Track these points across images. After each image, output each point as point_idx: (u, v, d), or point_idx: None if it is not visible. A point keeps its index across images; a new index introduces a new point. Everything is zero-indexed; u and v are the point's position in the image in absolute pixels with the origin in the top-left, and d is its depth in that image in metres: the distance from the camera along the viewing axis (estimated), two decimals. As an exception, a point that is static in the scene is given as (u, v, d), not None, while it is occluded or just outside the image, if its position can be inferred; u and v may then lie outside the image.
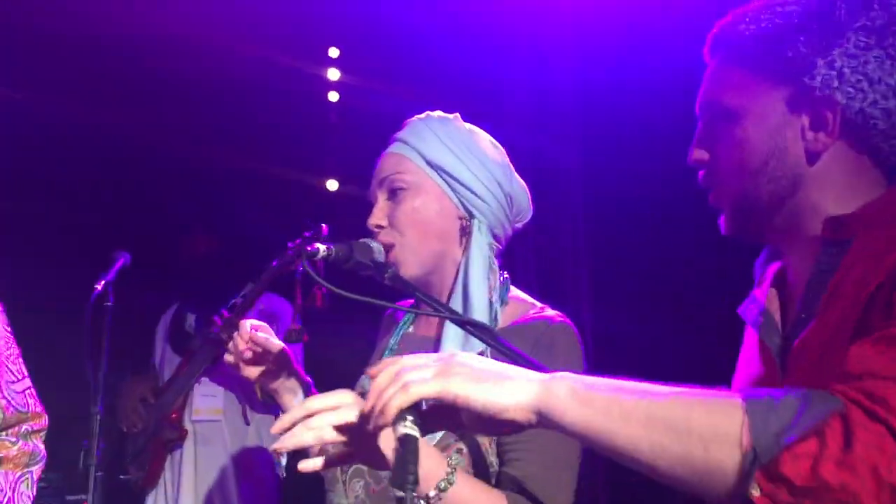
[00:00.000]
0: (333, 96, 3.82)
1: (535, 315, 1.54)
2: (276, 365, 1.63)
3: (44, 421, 1.92)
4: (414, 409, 1.03)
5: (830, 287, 1.16)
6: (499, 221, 1.59)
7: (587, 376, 1.06)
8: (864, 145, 1.19)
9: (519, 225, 1.67)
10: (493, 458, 1.45)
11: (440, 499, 1.34)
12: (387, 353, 1.63)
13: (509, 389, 1.04)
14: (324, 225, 2.72)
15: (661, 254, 3.09)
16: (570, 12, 3.35)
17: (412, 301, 1.64)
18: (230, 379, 3.10)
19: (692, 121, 1.31)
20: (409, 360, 1.09)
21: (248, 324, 1.64)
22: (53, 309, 3.07)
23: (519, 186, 1.63)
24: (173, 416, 3.04)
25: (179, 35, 3.38)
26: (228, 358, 1.64)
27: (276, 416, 3.11)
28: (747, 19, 1.23)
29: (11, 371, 1.88)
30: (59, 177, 3.52)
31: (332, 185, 3.84)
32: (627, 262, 3.10)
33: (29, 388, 1.92)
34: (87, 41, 3.33)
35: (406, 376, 1.05)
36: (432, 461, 1.35)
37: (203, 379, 3.06)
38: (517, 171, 1.65)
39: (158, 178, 3.62)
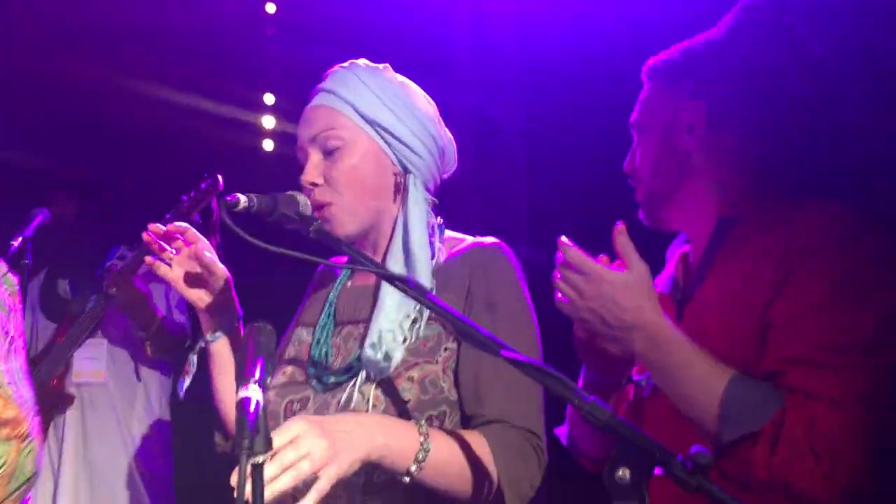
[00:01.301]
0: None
1: (467, 245, 1.56)
2: (215, 289, 1.59)
3: (22, 428, 1.47)
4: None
5: (719, 254, 1.47)
6: (431, 175, 1.60)
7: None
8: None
9: (446, 175, 1.67)
10: (443, 384, 1.47)
11: (422, 468, 1.35)
12: (327, 306, 1.62)
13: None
14: (220, 176, 2.66)
15: (603, 207, 3.10)
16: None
17: (344, 258, 1.62)
18: (115, 338, 3.02)
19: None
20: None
21: (193, 233, 1.58)
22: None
23: (448, 139, 1.64)
24: (54, 382, 2.94)
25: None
26: (165, 272, 1.57)
27: (164, 373, 3.07)
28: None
29: None
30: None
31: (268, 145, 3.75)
32: (569, 216, 3.11)
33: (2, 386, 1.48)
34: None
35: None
36: (403, 437, 1.35)
37: (86, 341, 2.96)
38: (462, 127, 1.64)
39: (19, 134, 3.45)
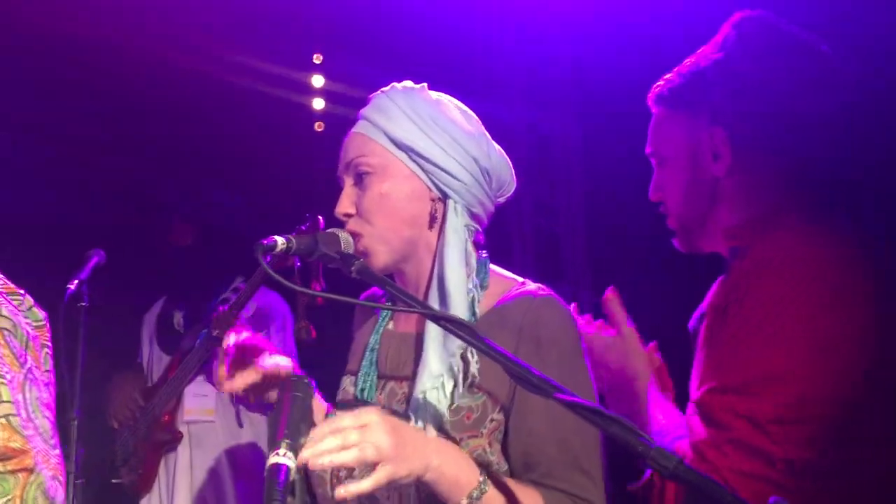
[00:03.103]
0: (318, 80, 3.70)
1: (518, 292, 1.45)
2: (267, 381, 1.53)
3: (27, 460, 1.46)
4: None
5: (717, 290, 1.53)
6: (476, 199, 1.48)
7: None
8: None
9: (501, 199, 1.55)
10: (491, 457, 1.39)
11: None
12: (368, 353, 1.54)
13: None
14: (320, 217, 2.65)
15: (663, 231, 3.01)
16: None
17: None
18: None
19: None
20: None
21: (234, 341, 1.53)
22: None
23: (497, 158, 1.51)
24: (166, 418, 2.97)
25: (160, 20, 3.29)
26: (224, 383, 1.52)
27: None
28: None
29: None
30: (29, 171, 3.44)
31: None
32: (628, 240, 3.01)
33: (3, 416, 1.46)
34: (59, 33, 3.25)
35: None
36: (462, 470, 1.31)
37: (195, 378, 2.97)
38: (516, 147, 1.54)
39: (135, 168, 3.53)
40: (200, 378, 2.99)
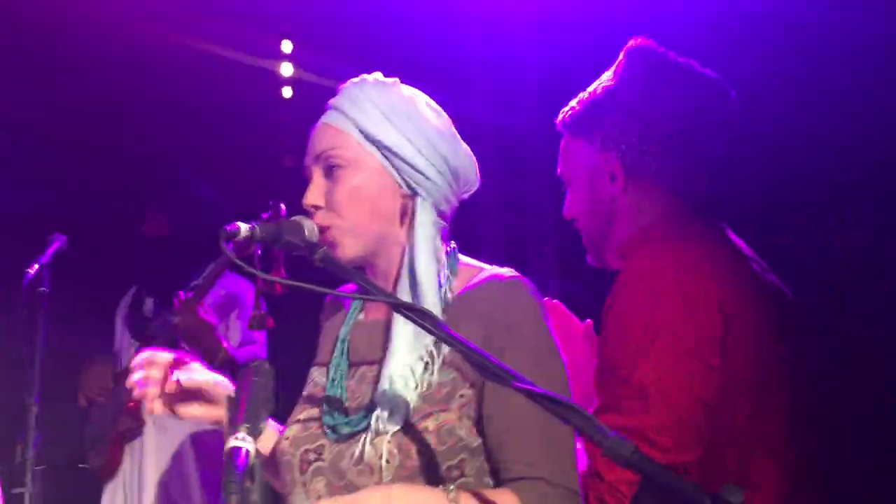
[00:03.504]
0: (287, 69, 3.69)
1: (484, 277, 1.46)
2: (210, 396, 1.52)
3: None
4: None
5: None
6: (443, 197, 1.49)
7: None
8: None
9: (465, 196, 1.56)
10: (460, 431, 1.38)
11: None
12: (339, 343, 1.54)
13: None
14: (282, 204, 2.64)
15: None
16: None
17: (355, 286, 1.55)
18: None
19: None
20: None
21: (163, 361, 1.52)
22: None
23: (465, 157, 1.52)
24: (130, 405, 2.94)
25: (130, 11, 3.26)
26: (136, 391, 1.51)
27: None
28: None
29: None
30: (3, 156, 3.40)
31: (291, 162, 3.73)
32: None
33: None
34: (30, 19, 3.20)
35: None
36: (431, 499, 1.30)
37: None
38: (483, 145, 1.55)
39: (109, 157, 3.51)
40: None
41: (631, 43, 1.75)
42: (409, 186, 1.46)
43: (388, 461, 1.35)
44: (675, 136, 1.67)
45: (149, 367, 1.50)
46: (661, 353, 1.49)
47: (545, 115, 3.39)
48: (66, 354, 2.86)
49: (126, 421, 2.94)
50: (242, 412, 0.99)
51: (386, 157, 1.45)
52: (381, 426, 1.37)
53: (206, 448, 3.01)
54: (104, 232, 2.96)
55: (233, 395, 1.05)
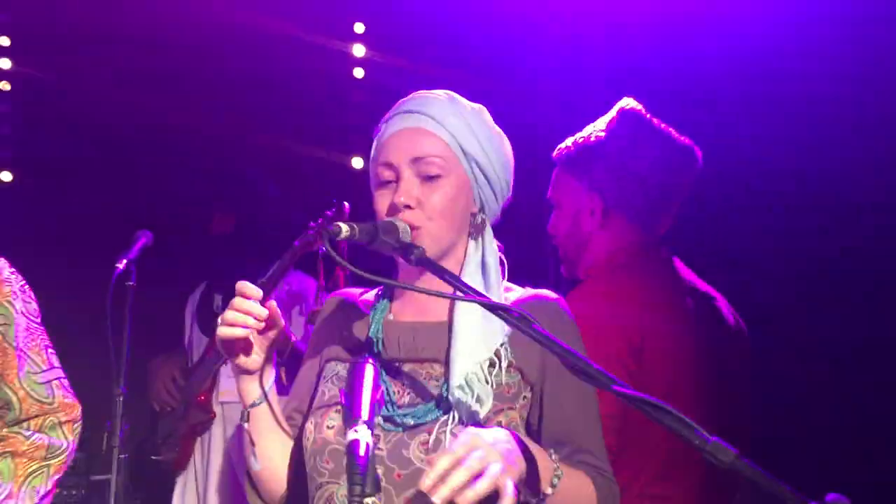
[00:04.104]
0: (359, 72, 3.75)
1: (531, 296, 1.57)
2: (267, 347, 1.50)
3: (75, 412, 1.86)
4: None
5: None
6: (495, 217, 1.63)
7: None
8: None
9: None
10: (521, 431, 1.47)
11: (555, 492, 1.38)
12: (374, 341, 1.55)
13: None
14: (346, 203, 2.69)
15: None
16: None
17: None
18: None
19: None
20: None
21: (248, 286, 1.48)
22: (75, 290, 3.05)
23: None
24: (201, 398, 3.00)
25: (202, 11, 3.33)
26: (230, 332, 1.45)
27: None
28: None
29: (34, 361, 1.82)
30: (79, 156, 3.50)
31: (358, 162, 3.78)
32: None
33: (57, 378, 1.86)
34: (105, 18, 3.29)
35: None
36: (541, 455, 1.38)
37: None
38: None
39: (180, 156, 3.59)
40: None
41: (623, 104, 2.13)
42: (480, 203, 1.57)
43: None
44: (648, 188, 2.06)
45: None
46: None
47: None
48: (146, 349, 2.94)
49: (197, 414, 2.99)
50: (359, 406, 1.01)
51: (475, 174, 1.55)
52: (462, 417, 1.42)
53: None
54: (174, 229, 3.03)
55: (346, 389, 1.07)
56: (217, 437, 3.04)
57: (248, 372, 1.47)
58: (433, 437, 1.42)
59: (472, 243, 1.56)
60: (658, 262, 2.09)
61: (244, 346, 1.46)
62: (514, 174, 1.63)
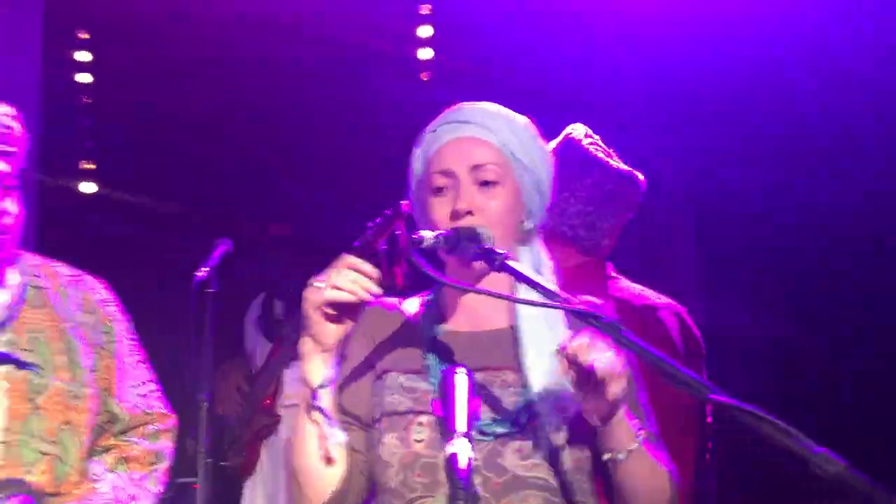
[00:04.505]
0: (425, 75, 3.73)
1: (585, 303, 1.55)
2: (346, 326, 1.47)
3: (171, 421, 1.94)
4: None
5: None
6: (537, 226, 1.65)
7: None
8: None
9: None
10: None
11: (640, 449, 1.41)
12: (433, 352, 1.54)
13: None
14: (403, 202, 2.68)
15: (776, 244, 3.10)
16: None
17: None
18: None
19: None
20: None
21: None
22: (156, 298, 3.12)
23: None
24: (266, 402, 3.04)
25: (270, 21, 3.38)
26: (336, 295, 1.40)
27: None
28: None
29: (135, 375, 1.91)
30: (158, 168, 3.58)
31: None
32: (739, 251, 3.02)
33: (153, 390, 1.94)
34: (179, 29, 3.36)
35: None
36: (624, 429, 1.40)
37: (294, 364, 3.03)
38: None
39: (245, 165, 3.64)
40: (297, 363, 3.05)
41: (569, 131, 2.24)
42: (528, 210, 1.59)
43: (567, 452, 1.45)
44: (584, 215, 2.20)
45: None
46: None
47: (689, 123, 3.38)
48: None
49: (262, 419, 3.04)
50: (454, 418, 0.99)
51: (524, 181, 1.57)
52: (551, 419, 1.44)
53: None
54: (234, 236, 3.07)
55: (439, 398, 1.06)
56: (283, 441, 3.06)
57: (326, 349, 1.43)
58: (528, 443, 1.44)
59: (524, 250, 1.58)
60: (598, 279, 2.21)
61: (338, 316, 1.42)
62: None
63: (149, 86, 3.50)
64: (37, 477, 1.75)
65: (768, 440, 1.12)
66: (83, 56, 3.59)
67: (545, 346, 1.46)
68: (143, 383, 1.92)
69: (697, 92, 3.17)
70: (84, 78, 3.62)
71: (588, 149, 2.21)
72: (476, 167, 1.53)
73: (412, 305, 1.63)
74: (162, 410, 1.94)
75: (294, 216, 3.29)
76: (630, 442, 1.39)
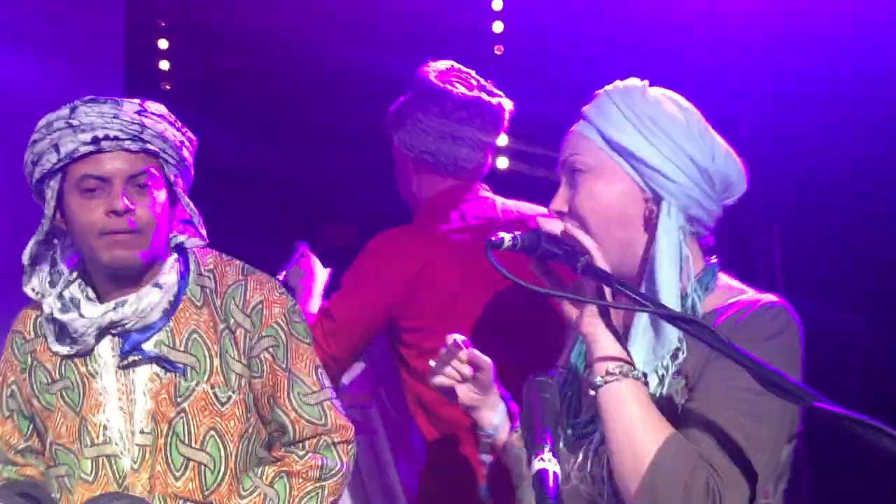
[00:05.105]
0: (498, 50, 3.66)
1: (743, 300, 1.41)
2: (480, 380, 1.57)
3: (349, 433, 1.80)
4: None
5: None
6: (693, 201, 1.42)
7: None
8: None
9: (729, 201, 1.48)
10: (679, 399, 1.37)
11: (608, 389, 1.31)
12: (577, 345, 1.53)
13: None
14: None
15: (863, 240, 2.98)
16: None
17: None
18: (376, 363, 3.02)
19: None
20: None
21: (457, 338, 1.56)
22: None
23: (723, 159, 1.44)
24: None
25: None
26: (441, 381, 1.58)
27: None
28: None
29: (304, 382, 1.78)
30: (233, 174, 3.59)
31: (503, 162, 3.67)
32: (824, 244, 2.90)
33: (328, 399, 1.80)
34: (265, 39, 3.39)
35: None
36: (622, 356, 1.33)
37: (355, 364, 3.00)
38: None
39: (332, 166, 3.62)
40: (359, 364, 3.04)
41: (423, 68, 2.37)
42: (652, 191, 1.42)
43: None
44: (441, 140, 2.32)
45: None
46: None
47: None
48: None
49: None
50: (539, 432, 0.96)
51: (628, 162, 1.42)
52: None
53: (402, 442, 3.05)
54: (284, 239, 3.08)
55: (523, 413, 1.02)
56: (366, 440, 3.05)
57: (473, 408, 1.59)
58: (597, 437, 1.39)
59: (647, 238, 1.44)
60: (471, 201, 2.37)
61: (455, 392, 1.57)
62: (704, 142, 1.44)
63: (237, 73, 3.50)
64: (182, 483, 1.70)
65: (881, 449, 1.04)
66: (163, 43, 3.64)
67: (642, 353, 1.38)
68: (315, 391, 1.78)
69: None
70: (163, 65, 3.65)
71: (434, 81, 2.34)
72: (563, 163, 1.49)
73: None
74: (339, 421, 1.79)
75: (345, 221, 3.29)
76: (602, 373, 1.31)
